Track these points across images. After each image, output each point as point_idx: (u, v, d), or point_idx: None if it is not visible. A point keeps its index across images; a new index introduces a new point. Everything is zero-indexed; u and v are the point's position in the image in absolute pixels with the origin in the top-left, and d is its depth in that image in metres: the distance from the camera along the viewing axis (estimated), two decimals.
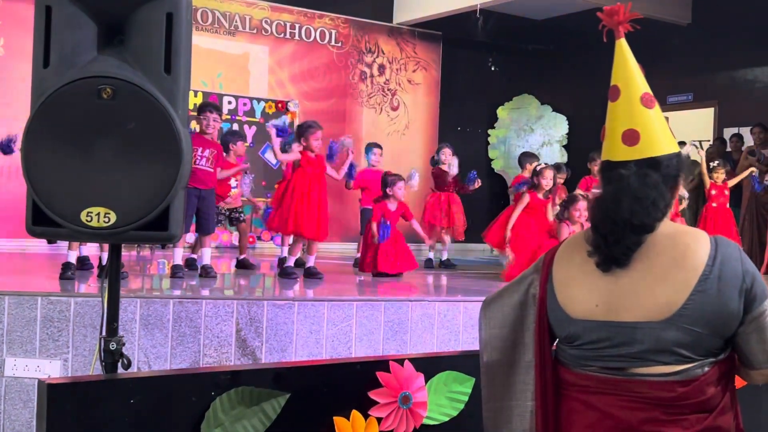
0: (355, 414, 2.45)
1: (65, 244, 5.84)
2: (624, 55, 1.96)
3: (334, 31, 11.78)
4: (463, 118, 12.89)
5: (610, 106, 1.97)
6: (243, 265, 7.27)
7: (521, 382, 2.04)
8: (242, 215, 7.55)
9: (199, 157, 6.12)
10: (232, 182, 7.23)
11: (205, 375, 2.38)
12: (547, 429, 1.96)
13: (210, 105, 6.69)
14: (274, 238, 10.03)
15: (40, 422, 2.06)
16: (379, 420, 2.48)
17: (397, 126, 12.26)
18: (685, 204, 8.66)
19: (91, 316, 4.44)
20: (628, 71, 1.95)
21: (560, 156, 12.68)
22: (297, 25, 11.48)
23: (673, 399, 1.79)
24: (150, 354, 4.52)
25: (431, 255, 8.59)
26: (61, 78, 2.33)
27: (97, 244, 5.83)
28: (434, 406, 2.60)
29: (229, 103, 10.56)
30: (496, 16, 11.81)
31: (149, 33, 2.39)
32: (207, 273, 6.18)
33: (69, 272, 5.57)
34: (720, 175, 8.61)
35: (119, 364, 2.59)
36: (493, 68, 13.21)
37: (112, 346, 2.57)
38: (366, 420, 2.46)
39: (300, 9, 11.46)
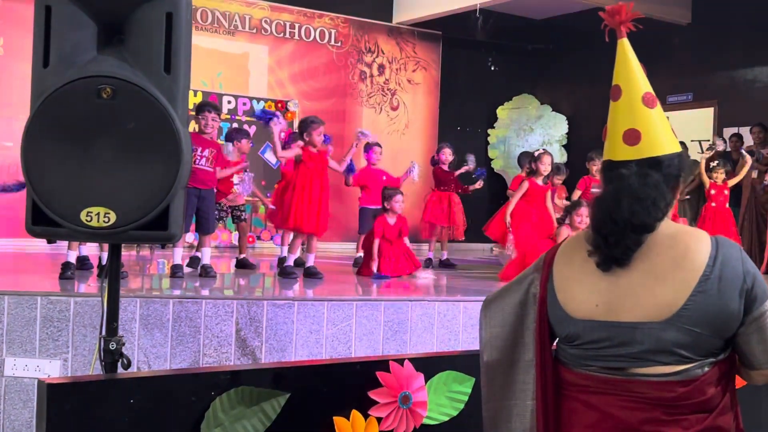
0: (355, 414, 2.45)
1: (65, 243, 5.84)
2: (626, 55, 1.96)
3: (333, 31, 11.78)
4: (462, 118, 12.89)
5: (612, 106, 1.97)
6: (243, 265, 7.26)
7: (521, 382, 2.04)
8: (244, 213, 7.55)
9: (198, 157, 6.11)
10: (235, 179, 7.23)
11: (205, 375, 2.38)
12: (547, 428, 1.96)
13: (208, 104, 6.68)
14: (273, 237, 10.04)
15: (40, 422, 2.06)
16: (379, 420, 2.48)
17: (396, 126, 12.26)
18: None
19: (90, 315, 4.44)
20: (630, 71, 1.95)
21: (560, 156, 12.67)
22: (297, 25, 11.48)
23: (673, 399, 1.79)
24: (150, 354, 4.51)
25: (431, 254, 8.60)
26: (61, 78, 2.33)
27: (97, 244, 5.83)
28: (434, 405, 2.60)
29: (229, 102, 10.56)
30: (495, 15, 11.81)
31: (149, 33, 2.39)
32: (207, 273, 6.17)
33: (69, 272, 5.56)
34: (720, 175, 8.60)
35: (119, 364, 2.59)
36: (492, 68, 13.20)
37: (112, 345, 2.57)
38: (366, 420, 2.46)
39: (300, 8, 11.46)
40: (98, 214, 2.34)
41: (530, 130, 13.16)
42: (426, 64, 12.58)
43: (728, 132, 10.58)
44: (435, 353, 4.11)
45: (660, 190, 1.87)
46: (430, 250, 8.68)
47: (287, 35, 11.42)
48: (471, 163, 8.76)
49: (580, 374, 1.90)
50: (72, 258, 5.75)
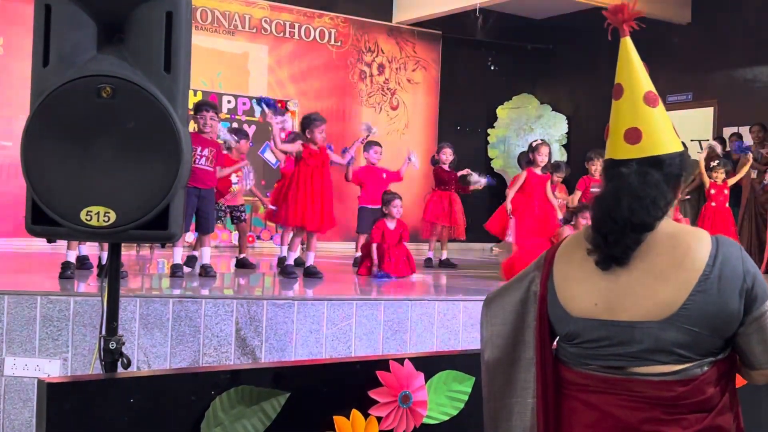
0: (355, 413, 2.44)
1: (65, 243, 5.84)
2: (628, 54, 1.96)
3: (333, 31, 11.77)
4: (462, 118, 12.89)
5: (614, 105, 1.97)
6: (243, 265, 7.26)
7: (522, 380, 2.04)
8: (243, 214, 7.54)
9: (198, 157, 6.11)
10: (233, 178, 7.22)
11: (205, 374, 2.38)
12: (547, 427, 1.96)
13: (207, 104, 6.67)
14: (273, 237, 10.04)
15: (40, 421, 2.06)
16: (379, 419, 2.48)
17: (396, 125, 12.25)
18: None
19: (90, 315, 4.44)
20: (632, 70, 1.95)
21: (560, 155, 12.67)
22: (296, 25, 11.47)
23: (672, 398, 1.79)
24: (149, 353, 4.51)
25: (431, 254, 8.60)
26: (61, 77, 2.33)
27: (97, 244, 5.83)
28: (434, 405, 2.60)
29: (229, 102, 10.55)
30: (495, 15, 11.81)
31: (149, 32, 2.39)
32: (206, 272, 6.17)
33: (68, 271, 5.56)
34: (720, 175, 8.61)
35: (119, 364, 2.59)
36: (492, 67, 13.19)
37: (112, 345, 2.57)
38: (366, 419, 2.46)
39: (299, 8, 11.45)
40: (98, 213, 2.34)
41: (530, 130, 13.16)
42: (426, 63, 12.57)
43: (728, 132, 10.58)
44: (435, 353, 4.11)
45: (660, 189, 1.86)
46: (430, 249, 8.68)
47: (287, 35, 11.41)
48: (476, 180, 8.59)
49: (580, 373, 1.90)
50: (72, 257, 5.74)
